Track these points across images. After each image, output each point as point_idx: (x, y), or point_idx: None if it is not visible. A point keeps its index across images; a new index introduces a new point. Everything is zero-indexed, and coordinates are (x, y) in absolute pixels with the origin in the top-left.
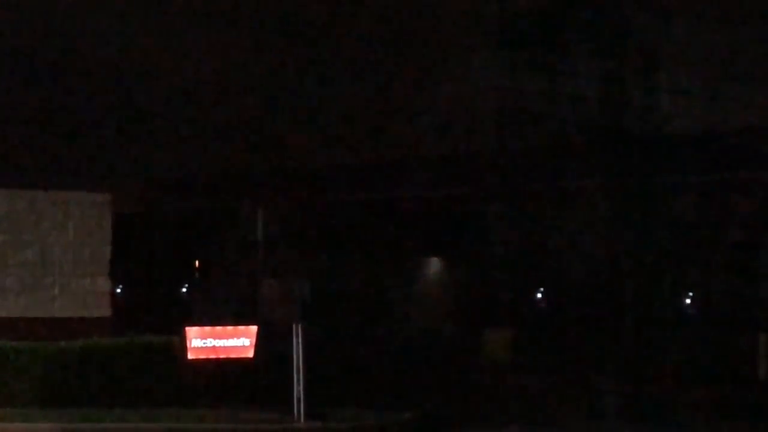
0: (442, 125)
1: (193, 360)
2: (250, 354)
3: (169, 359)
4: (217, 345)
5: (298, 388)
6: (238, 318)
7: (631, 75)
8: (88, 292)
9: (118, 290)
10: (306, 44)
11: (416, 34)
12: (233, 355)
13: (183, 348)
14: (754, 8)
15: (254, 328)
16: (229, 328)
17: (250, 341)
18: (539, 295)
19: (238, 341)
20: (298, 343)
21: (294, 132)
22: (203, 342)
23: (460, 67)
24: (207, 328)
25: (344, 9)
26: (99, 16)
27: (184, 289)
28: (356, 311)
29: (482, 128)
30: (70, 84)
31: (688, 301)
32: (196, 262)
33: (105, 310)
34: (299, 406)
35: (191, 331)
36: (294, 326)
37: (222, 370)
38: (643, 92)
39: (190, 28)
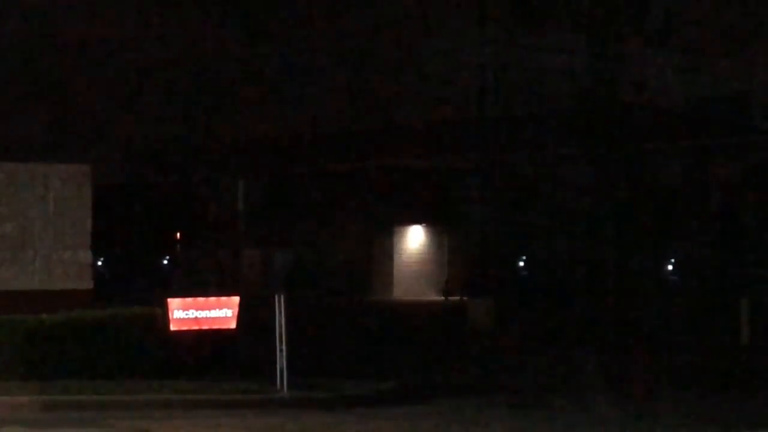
0: (425, 95)
1: (175, 331)
2: (233, 325)
3: (151, 331)
4: (199, 316)
5: (281, 359)
6: (221, 289)
7: (619, 47)
8: (69, 265)
9: (100, 262)
10: (289, 16)
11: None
12: (216, 326)
13: (165, 319)
14: None
15: (236, 299)
16: (212, 299)
17: (233, 312)
18: (521, 264)
19: (221, 312)
20: (280, 313)
21: (275, 102)
22: (185, 313)
23: (444, 36)
24: (189, 300)
25: None
26: None
27: (166, 261)
28: (338, 281)
29: (465, 98)
30: (50, 57)
31: (669, 267)
32: (178, 234)
33: (86, 283)
34: (282, 377)
35: (173, 303)
36: (276, 296)
37: (204, 342)
38: (627, 63)
39: (167, 3)
